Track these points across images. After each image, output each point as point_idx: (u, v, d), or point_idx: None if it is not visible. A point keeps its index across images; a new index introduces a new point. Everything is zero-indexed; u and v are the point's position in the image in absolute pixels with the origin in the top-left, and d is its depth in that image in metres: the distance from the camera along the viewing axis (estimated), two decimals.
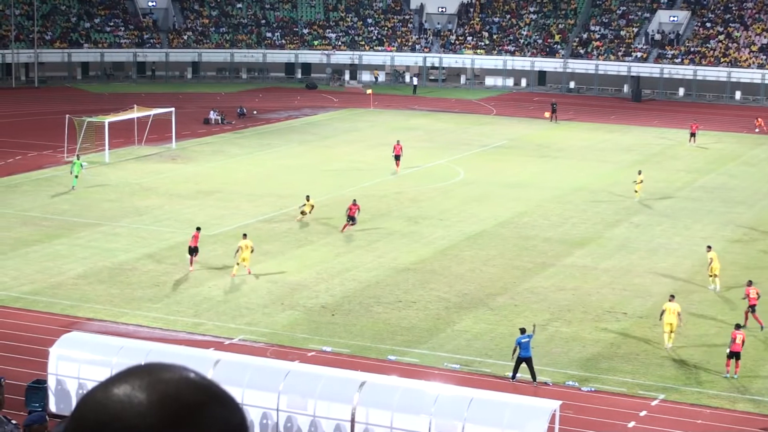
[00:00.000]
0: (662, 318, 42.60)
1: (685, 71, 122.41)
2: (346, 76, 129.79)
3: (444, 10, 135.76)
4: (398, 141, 77.61)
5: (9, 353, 40.38)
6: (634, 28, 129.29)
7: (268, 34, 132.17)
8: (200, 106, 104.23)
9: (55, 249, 54.47)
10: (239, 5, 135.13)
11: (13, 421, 18.94)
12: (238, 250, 50.45)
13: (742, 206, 67.26)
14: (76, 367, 35.23)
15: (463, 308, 46.61)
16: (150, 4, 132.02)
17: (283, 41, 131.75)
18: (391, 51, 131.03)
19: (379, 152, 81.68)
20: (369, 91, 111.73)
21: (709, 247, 51.82)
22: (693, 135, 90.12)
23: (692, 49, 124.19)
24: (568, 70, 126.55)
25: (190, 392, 3.09)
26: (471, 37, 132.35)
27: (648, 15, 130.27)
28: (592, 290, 49.63)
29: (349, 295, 48.11)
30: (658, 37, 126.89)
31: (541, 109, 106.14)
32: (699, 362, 41.31)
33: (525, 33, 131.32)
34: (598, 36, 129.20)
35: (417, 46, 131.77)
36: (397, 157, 75.38)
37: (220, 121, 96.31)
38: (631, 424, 35.86)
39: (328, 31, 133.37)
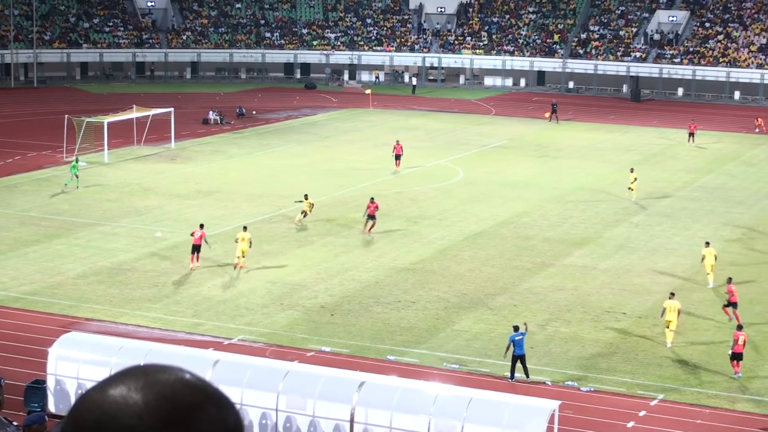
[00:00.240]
0: (663, 316, 42.74)
1: (684, 71, 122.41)
2: (345, 76, 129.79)
3: (443, 10, 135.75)
4: (398, 141, 77.73)
5: (8, 353, 40.38)
6: (633, 28, 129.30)
7: (267, 34, 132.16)
8: (199, 106, 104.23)
9: (55, 249, 54.48)
10: (238, 5, 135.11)
11: (15, 423, 18.92)
12: (237, 241, 51.16)
13: (741, 206, 67.27)
14: (75, 368, 35.23)
15: (462, 308, 46.61)
16: (149, 4, 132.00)
17: (282, 41, 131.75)
18: (390, 51, 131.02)
19: (378, 152, 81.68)
20: (368, 91, 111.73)
21: (707, 243, 52.07)
22: (692, 135, 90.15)
23: (691, 49, 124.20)
24: (567, 70, 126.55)
25: (186, 393, 3.09)
26: (470, 37, 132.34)
27: (647, 15, 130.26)
28: (591, 290, 49.64)
29: (349, 295, 48.11)
30: (657, 37, 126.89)
31: (541, 109, 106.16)
32: (698, 362, 41.31)
33: (524, 33, 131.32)
34: (597, 36, 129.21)
35: (416, 46, 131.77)
36: (398, 157, 75.51)
37: (219, 121, 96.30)
38: (631, 424, 35.86)
39: (327, 31, 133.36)
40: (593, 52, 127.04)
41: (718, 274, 50.89)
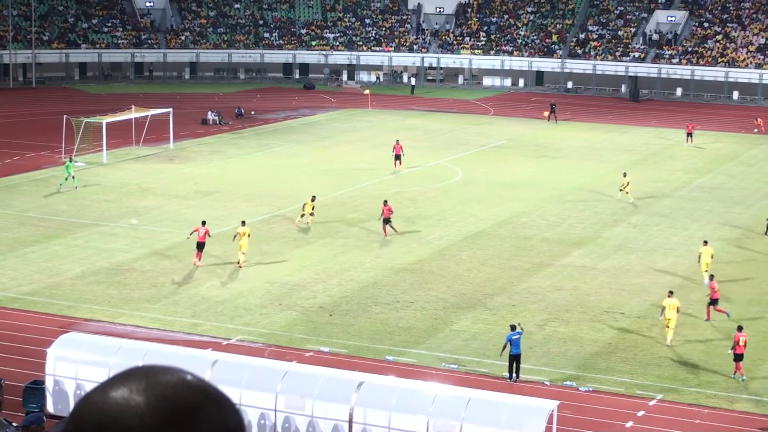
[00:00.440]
0: (662, 314, 42.88)
1: (682, 71, 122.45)
2: (344, 77, 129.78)
3: (442, 10, 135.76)
4: (398, 141, 77.83)
5: (6, 354, 40.38)
6: (631, 28, 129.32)
7: (266, 35, 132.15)
8: (198, 106, 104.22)
9: (53, 249, 54.47)
10: (237, 6, 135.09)
11: (14, 424, 18.93)
12: (235, 236, 51.85)
13: (740, 206, 67.28)
14: (73, 368, 35.22)
15: (461, 308, 46.62)
16: (148, 4, 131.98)
17: (281, 41, 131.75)
18: (388, 51, 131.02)
19: (377, 152, 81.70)
20: (367, 92, 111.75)
21: (705, 242, 52.36)
22: (690, 135, 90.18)
23: (690, 49, 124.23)
24: (566, 70, 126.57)
25: (187, 394, 3.10)
26: (469, 37, 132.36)
27: (645, 15, 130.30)
28: (590, 290, 49.65)
29: (347, 295, 48.12)
30: (655, 37, 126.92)
31: (539, 109, 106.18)
32: (697, 362, 41.33)
33: (523, 33, 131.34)
34: (595, 36, 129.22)
35: (415, 47, 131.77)
36: (398, 157, 75.64)
37: (218, 122, 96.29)
38: (629, 424, 35.87)
39: (325, 31, 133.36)
40: (592, 52, 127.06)
41: (716, 274, 50.91)
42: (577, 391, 38.16)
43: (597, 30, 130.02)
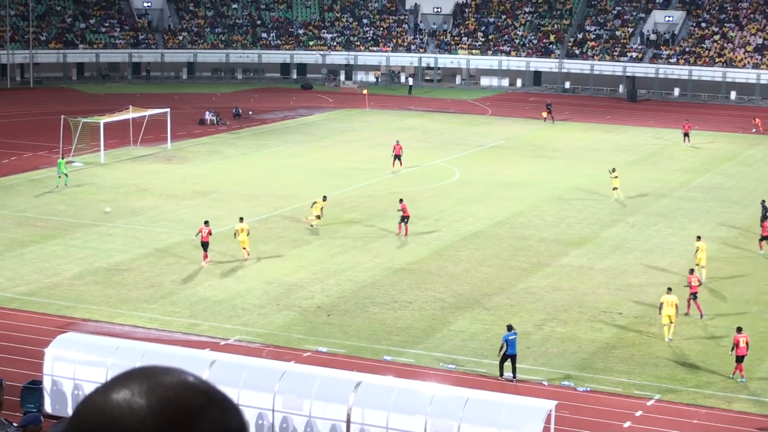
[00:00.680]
0: (661, 311, 43.00)
1: (680, 71, 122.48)
2: (342, 77, 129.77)
3: (439, 10, 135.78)
4: (398, 141, 77.93)
5: (4, 354, 40.36)
6: (629, 29, 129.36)
7: (264, 35, 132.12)
8: (196, 106, 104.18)
9: (51, 249, 54.46)
10: (234, 6, 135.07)
11: (15, 424, 18.92)
12: (235, 234, 52.60)
13: (737, 206, 67.30)
14: (71, 368, 35.20)
15: (458, 308, 46.62)
16: (145, 4, 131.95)
17: (279, 42, 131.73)
18: (386, 51, 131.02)
19: (375, 152, 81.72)
20: (364, 92, 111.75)
21: (699, 237, 52.61)
22: (686, 135, 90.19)
23: (687, 49, 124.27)
24: (564, 71, 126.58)
25: (190, 396, 3.09)
26: (466, 38, 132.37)
27: (643, 15, 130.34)
28: (588, 290, 49.66)
29: (345, 295, 48.11)
30: (653, 37, 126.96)
31: (537, 110, 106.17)
32: (695, 362, 41.34)
33: (520, 33, 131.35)
34: (593, 36, 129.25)
35: (412, 47, 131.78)
36: (397, 157, 75.77)
37: (215, 122, 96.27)
38: (627, 424, 35.88)
39: (323, 31, 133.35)
40: (589, 52, 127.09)
41: (714, 274, 50.99)
42: (575, 391, 38.17)
43: (594, 30, 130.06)
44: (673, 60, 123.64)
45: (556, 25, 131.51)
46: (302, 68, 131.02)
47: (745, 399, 38.21)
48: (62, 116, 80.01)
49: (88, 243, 55.85)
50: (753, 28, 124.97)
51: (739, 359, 39.25)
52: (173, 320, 44.54)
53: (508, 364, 38.86)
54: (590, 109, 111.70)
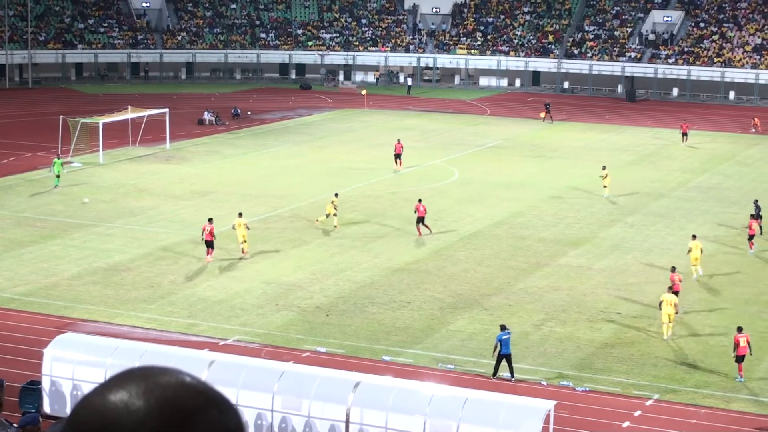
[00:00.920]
0: (661, 309, 43.19)
1: (679, 71, 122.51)
2: (341, 77, 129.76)
3: (438, 10, 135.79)
4: (399, 140, 78.09)
5: (3, 354, 40.35)
6: (628, 29, 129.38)
7: (263, 35, 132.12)
8: (194, 106, 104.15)
9: (50, 250, 54.45)
10: (233, 6, 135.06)
11: (15, 425, 18.91)
12: (234, 228, 53.29)
13: (736, 206, 67.28)
14: (70, 369, 35.20)
15: (457, 308, 46.62)
16: (144, 4, 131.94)
17: (278, 42, 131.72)
18: (385, 51, 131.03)
19: (374, 153, 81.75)
20: (363, 92, 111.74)
21: (694, 236, 53.02)
22: (684, 135, 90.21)
23: (686, 49, 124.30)
24: (562, 71, 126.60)
25: (188, 397, 3.09)
26: (465, 38, 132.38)
27: (642, 15, 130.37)
28: (586, 290, 49.66)
29: (344, 295, 48.11)
30: (652, 37, 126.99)
31: (536, 110, 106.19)
32: (694, 362, 41.35)
33: (519, 33, 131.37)
34: (592, 36, 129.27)
35: (411, 47, 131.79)
36: (398, 156, 75.91)
37: (214, 122, 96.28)
38: (626, 424, 35.88)
39: (322, 31, 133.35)
40: (588, 52, 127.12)
41: (713, 274, 51.01)
42: (574, 391, 38.17)
43: (593, 30, 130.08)
44: (672, 60, 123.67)
45: (554, 25, 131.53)
46: (301, 68, 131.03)
47: (744, 399, 38.22)
48: (61, 116, 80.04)
49: (87, 243, 55.85)
50: (752, 28, 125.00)
51: (739, 359, 39.26)
52: (172, 320, 44.54)
53: (504, 364, 38.89)
54: (589, 109, 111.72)
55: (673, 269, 47.74)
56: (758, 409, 37.45)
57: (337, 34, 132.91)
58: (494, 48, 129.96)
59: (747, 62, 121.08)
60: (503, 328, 39.34)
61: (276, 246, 55.87)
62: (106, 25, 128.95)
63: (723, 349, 41.88)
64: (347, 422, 32.72)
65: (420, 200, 59.56)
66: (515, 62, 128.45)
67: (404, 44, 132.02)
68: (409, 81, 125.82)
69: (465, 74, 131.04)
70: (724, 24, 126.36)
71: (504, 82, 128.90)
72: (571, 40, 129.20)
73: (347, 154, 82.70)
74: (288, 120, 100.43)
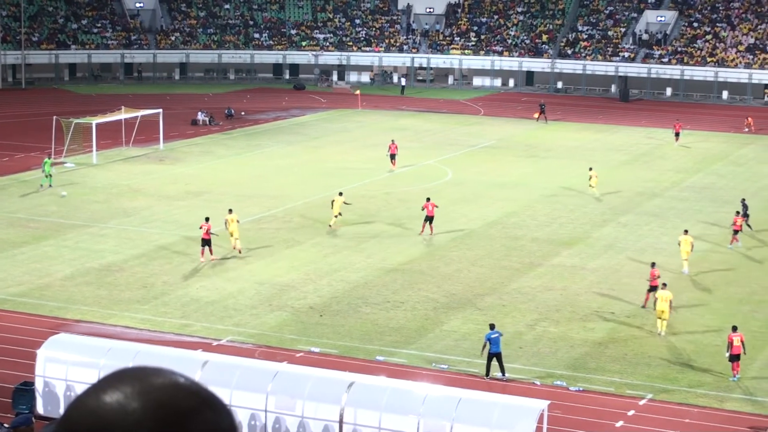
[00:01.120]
0: (656, 306, 43.50)
1: (672, 71, 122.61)
2: (334, 77, 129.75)
3: (432, 10, 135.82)
4: (393, 140, 78.14)
5: None
6: (621, 28, 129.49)
7: (256, 35, 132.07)
8: (188, 107, 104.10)
9: (43, 250, 54.39)
10: (227, 6, 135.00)
11: (5, 425, 18.92)
12: (226, 224, 53.82)
13: (729, 206, 67.26)
14: (63, 369, 35.18)
15: (451, 308, 46.64)
16: (137, 5, 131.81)
17: (271, 42, 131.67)
18: (378, 51, 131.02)
19: (367, 153, 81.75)
20: (357, 92, 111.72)
21: (686, 231, 53.69)
22: (677, 134, 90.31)
23: (679, 49, 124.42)
24: (556, 71, 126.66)
25: (183, 398, 3.10)
26: (458, 38, 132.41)
27: (635, 15, 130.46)
28: (580, 290, 49.70)
29: (338, 295, 48.11)
30: (645, 37, 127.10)
31: (530, 110, 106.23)
32: (687, 361, 41.40)
33: (512, 33, 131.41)
34: (585, 36, 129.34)
35: (405, 47, 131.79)
36: (393, 156, 75.99)
37: (208, 122, 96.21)
38: (620, 424, 35.92)
39: (315, 31, 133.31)
40: (582, 52, 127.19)
41: (705, 274, 51.10)
42: (568, 391, 38.20)
43: (587, 30, 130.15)
44: (665, 60, 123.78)
45: (548, 25, 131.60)
46: (295, 68, 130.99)
47: (738, 398, 38.27)
48: (54, 117, 79.91)
49: (80, 244, 55.80)
50: (745, 27, 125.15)
51: (734, 358, 39.32)
52: (165, 321, 44.52)
53: (495, 363, 38.95)
54: (583, 109, 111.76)
55: (653, 264, 48.22)
56: (752, 408, 37.50)
57: (331, 35, 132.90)
58: (488, 48, 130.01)
59: (740, 62, 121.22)
60: (492, 327, 39.49)
61: (269, 246, 55.86)
62: (99, 25, 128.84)
63: (716, 348, 41.95)
64: (341, 422, 32.73)
65: (428, 198, 59.52)
66: (509, 62, 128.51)
67: (398, 44, 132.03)
68: (403, 81, 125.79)
69: (459, 74, 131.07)
70: (717, 24, 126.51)
71: (498, 82, 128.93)
72: (564, 40, 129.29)
73: (341, 154, 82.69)
74: (282, 120, 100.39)
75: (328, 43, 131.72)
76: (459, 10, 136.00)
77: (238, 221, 54.17)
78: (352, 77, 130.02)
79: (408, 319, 45.25)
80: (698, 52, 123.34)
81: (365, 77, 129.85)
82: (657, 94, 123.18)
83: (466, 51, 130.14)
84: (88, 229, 58.79)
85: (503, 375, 38.88)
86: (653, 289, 46.38)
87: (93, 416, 3.06)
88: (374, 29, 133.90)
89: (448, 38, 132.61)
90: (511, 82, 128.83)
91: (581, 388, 38.44)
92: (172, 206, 64.35)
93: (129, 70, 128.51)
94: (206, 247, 52.48)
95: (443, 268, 52.51)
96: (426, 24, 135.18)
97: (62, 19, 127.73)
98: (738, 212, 59.79)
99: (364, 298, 47.70)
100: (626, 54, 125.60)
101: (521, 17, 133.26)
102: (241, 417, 33.21)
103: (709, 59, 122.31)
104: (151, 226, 59.75)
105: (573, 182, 73.16)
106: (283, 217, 61.74)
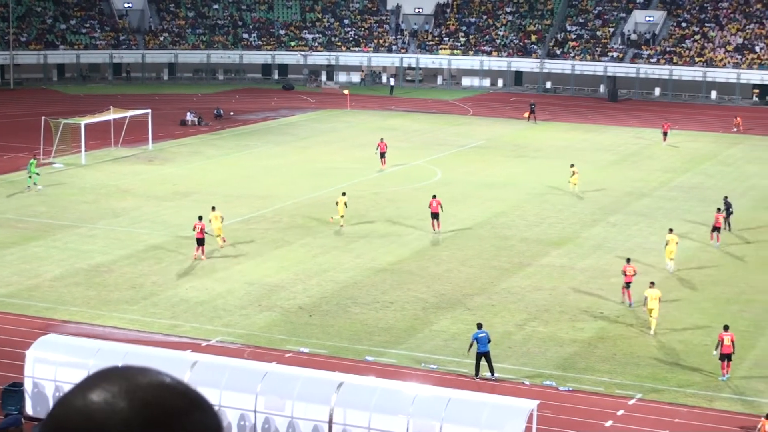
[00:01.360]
0: (645, 305, 43.61)
1: (660, 71, 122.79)
2: (323, 77, 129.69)
3: (420, 10, 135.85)
4: (382, 139, 78.23)
5: None
6: (610, 29, 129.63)
7: (245, 35, 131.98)
8: (177, 107, 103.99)
9: (32, 251, 54.28)
10: (215, 6, 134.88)
11: None
12: (210, 221, 54.11)
13: (717, 206, 67.39)
14: (52, 370, 35.13)
15: (440, 308, 46.65)
16: (126, 5, 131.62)
17: (260, 42, 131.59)
18: (367, 52, 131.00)
19: (356, 153, 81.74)
20: (346, 92, 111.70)
21: (671, 229, 53.95)
22: (665, 134, 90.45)
23: (668, 49, 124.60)
24: (545, 71, 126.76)
25: (170, 398, 3.09)
26: (447, 38, 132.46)
27: (624, 15, 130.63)
28: (569, 290, 49.74)
29: (327, 296, 48.09)
30: (634, 37, 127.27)
31: (518, 110, 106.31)
32: (677, 361, 41.45)
33: (501, 33, 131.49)
34: (574, 36, 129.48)
35: (394, 47, 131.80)
36: (383, 155, 76.07)
37: (197, 123, 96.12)
38: (609, 424, 35.95)
39: (304, 32, 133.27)
40: (570, 52, 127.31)
41: (694, 275, 51.17)
42: (557, 391, 38.23)
43: (575, 30, 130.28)
44: (654, 60, 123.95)
45: (537, 25, 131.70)
46: (283, 69, 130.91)
47: (727, 398, 38.32)
48: (43, 117, 79.75)
49: (69, 244, 55.71)
50: (733, 27, 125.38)
51: (724, 357, 39.38)
52: (154, 321, 44.46)
53: (484, 363, 38.98)
54: (571, 109, 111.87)
55: (628, 261, 48.84)
56: (741, 407, 37.55)
57: (320, 35, 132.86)
58: (477, 48, 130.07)
59: (728, 62, 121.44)
60: (479, 326, 39.55)
61: (259, 247, 55.82)
62: (87, 25, 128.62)
63: (705, 348, 42.02)
64: (330, 423, 32.72)
65: (434, 196, 59.66)
66: (498, 62, 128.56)
67: (387, 44, 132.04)
68: (392, 81, 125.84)
69: (448, 74, 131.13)
70: (705, 24, 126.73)
71: (486, 82, 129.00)
72: (553, 40, 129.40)
73: (330, 154, 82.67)
74: (270, 120, 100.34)
75: (316, 44, 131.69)
76: (448, 11, 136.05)
77: (222, 219, 54.73)
78: (341, 77, 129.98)
79: (397, 319, 45.25)
80: (687, 52, 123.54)
81: (354, 77, 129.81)
82: (646, 94, 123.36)
83: (455, 51, 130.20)
84: (77, 229, 58.69)
85: (492, 374, 38.91)
86: (627, 285, 46.84)
87: (80, 415, 3.04)
88: (363, 29, 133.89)
89: (436, 38, 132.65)
90: (500, 82, 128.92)
91: (570, 388, 38.48)
92: (161, 207, 64.28)
93: (118, 71, 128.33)
94: (201, 247, 52.64)
95: (432, 268, 52.52)
96: (415, 24, 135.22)
97: (50, 20, 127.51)
98: (719, 209, 59.98)
99: (353, 299, 47.70)
100: (615, 54, 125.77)
101: (510, 17, 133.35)
102: (231, 417, 33.19)
103: (697, 59, 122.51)
104: (140, 226, 59.66)
105: (562, 182, 73.17)
106: (272, 217, 61.70)
